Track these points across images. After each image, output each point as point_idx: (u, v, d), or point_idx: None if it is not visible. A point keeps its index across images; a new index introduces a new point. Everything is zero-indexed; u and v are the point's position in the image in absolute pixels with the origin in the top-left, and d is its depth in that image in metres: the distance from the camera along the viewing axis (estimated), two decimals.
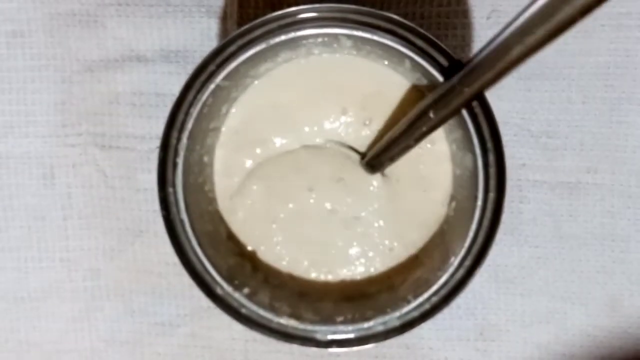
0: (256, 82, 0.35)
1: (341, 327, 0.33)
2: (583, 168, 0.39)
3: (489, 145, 0.31)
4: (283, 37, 0.32)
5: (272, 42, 0.32)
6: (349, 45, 0.34)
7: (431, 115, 0.31)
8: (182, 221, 0.33)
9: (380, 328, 0.33)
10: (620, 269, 0.39)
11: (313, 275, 0.36)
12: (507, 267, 0.40)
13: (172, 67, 0.40)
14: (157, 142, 0.34)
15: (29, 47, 0.40)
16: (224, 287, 0.33)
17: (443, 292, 0.32)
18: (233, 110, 0.35)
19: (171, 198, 0.33)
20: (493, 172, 0.31)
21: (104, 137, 0.40)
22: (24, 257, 0.41)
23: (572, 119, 0.39)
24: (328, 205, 0.35)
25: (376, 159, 0.34)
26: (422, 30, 0.32)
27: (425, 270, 0.34)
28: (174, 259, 0.33)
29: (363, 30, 0.32)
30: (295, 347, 0.36)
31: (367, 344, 0.33)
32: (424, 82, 0.33)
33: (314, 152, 0.36)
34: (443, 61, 0.32)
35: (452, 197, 0.35)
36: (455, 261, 0.32)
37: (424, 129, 0.31)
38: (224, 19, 0.39)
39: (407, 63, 0.33)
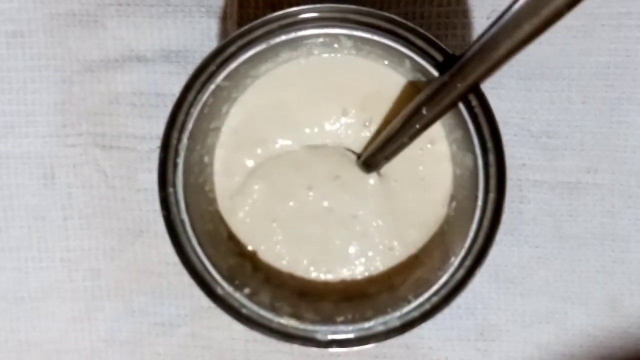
0: (256, 82, 0.35)
1: (341, 327, 0.33)
2: (583, 168, 0.39)
3: (489, 145, 0.31)
4: (283, 37, 0.32)
5: (272, 42, 0.32)
6: (349, 46, 0.34)
7: (424, 112, 0.31)
8: (182, 221, 0.33)
9: (381, 328, 0.33)
10: (621, 268, 0.39)
11: (313, 275, 0.36)
12: (507, 267, 0.40)
13: (172, 67, 0.40)
14: (157, 142, 0.34)
15: (29, 47, 0.40)
16: (225, 287, 0.33)
17: (443, 292, 0.32)
18: (233, 110, 0.35)
19: (171, 198, 0.33)
20: (493, 172, 0.32)
21: (104, 137, 0.40)
22: (24, 257, 0.41)
23: (572, 119, 0.39)
24: (325, 203, 0.35)
25: (372, 157, 0.34)
26: (422, 30, 0.32)
27: (426, 270, 0.34)
28: (175, 259, 0.33)
29: (363, 30, 0.32)
30: (295, 347, 0.36)
31: (367, 344, 0.33)
32: (424, 81, 0.33)
33: (313, 151, 0.36)
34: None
35: (452, 197, 0.35)
36: (455, 261, 0.32)
37: (418, 126, 0.31)
38: (224, 19, 0.39)
39: (407, 63, 0.33)
